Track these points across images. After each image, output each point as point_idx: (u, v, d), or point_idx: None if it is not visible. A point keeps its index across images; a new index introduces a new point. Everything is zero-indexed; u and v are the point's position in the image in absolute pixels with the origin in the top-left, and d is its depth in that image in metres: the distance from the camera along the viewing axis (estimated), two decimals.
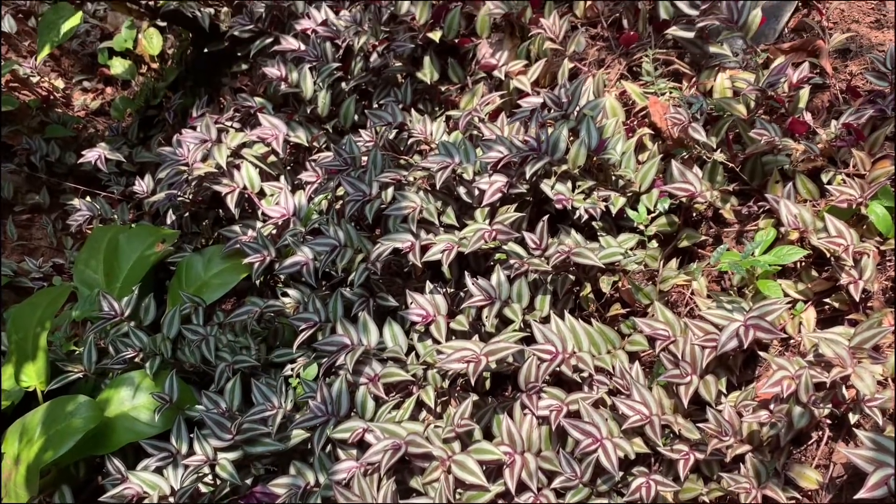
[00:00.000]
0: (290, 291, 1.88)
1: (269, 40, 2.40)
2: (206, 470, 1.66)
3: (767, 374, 1.46)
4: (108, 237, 2.24)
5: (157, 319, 1.98)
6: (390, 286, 1.89)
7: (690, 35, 1.77)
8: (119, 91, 3.25)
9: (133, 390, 1.79)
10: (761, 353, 1.46)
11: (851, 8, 1.79)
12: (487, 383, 1.72)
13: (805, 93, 1.63)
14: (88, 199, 2.58)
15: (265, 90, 2.51)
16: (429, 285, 1.73)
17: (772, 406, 1.35)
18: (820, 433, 1.37)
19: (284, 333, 1.95)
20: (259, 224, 2.10)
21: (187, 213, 2.42)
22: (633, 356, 1.57)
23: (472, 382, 1.43)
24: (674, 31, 1.78)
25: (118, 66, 3.13)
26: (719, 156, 1.62)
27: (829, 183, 1.55)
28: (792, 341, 1.47)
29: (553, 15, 1.94)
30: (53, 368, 1.90)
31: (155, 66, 3.14)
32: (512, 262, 1.61)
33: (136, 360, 1.87)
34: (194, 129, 2.22)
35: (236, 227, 2.12)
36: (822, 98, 1.70)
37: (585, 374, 1.51)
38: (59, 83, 3.27)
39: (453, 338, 1.65)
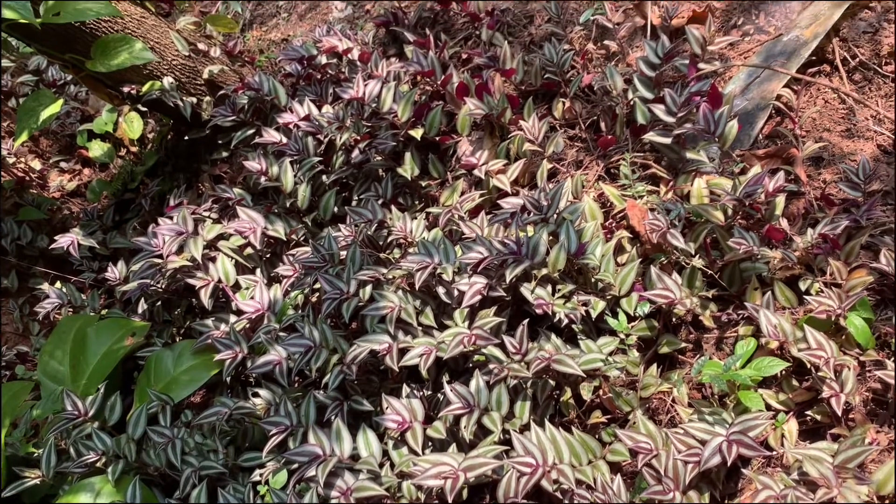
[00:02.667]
0: (262, 392, 1.83)
1: (250, 131, 2.41)
2: None
3: (751, 487, 1.43)
4: (76, 327, 2.18)
5: (124, 416, 1.91)
6: (366, 385, 1.84)
7: (667, 140, 1.80)
8: (97, 173, 3.22)
9: (93, 497, 1.71)
10: (744, 471, 1.43)
11: (823, 117, 1.84)
12: (465, 493, 1.66)
13: (781, 200, 1.65)
14: (58, 284, 2.52)
15: (244, 179, 2.50)
16: (405, 389, 1.69)
17: None
18: None
19: (254, 434, 1.89)
20: (233, 318, 2.06)
21: (159, 302, 2.37)
22: (614, 466, 1.53)
23: (450, 501, 1.38)
24: (651, 136, 1.81)
25: (97, 149, 3.11)
26: (698, 262, 1.62)
27: (808, 291, 1.55)
28: (775, 453, 1.44)
29: (532, 117, 1.97)
30: (10, 471, 1.81)
31: (134, 149, 3.13)
32: (492, 366, 1.58)
33: (99, 463, 1.79)
34: (171, 218, 2.19)
35: (209, 321, 2.08)
36: (798, 205, 1.72)
37: (566, 488, 1.46)
38: (36, 164, 3.24)
39: (430, 445, 1.60)
